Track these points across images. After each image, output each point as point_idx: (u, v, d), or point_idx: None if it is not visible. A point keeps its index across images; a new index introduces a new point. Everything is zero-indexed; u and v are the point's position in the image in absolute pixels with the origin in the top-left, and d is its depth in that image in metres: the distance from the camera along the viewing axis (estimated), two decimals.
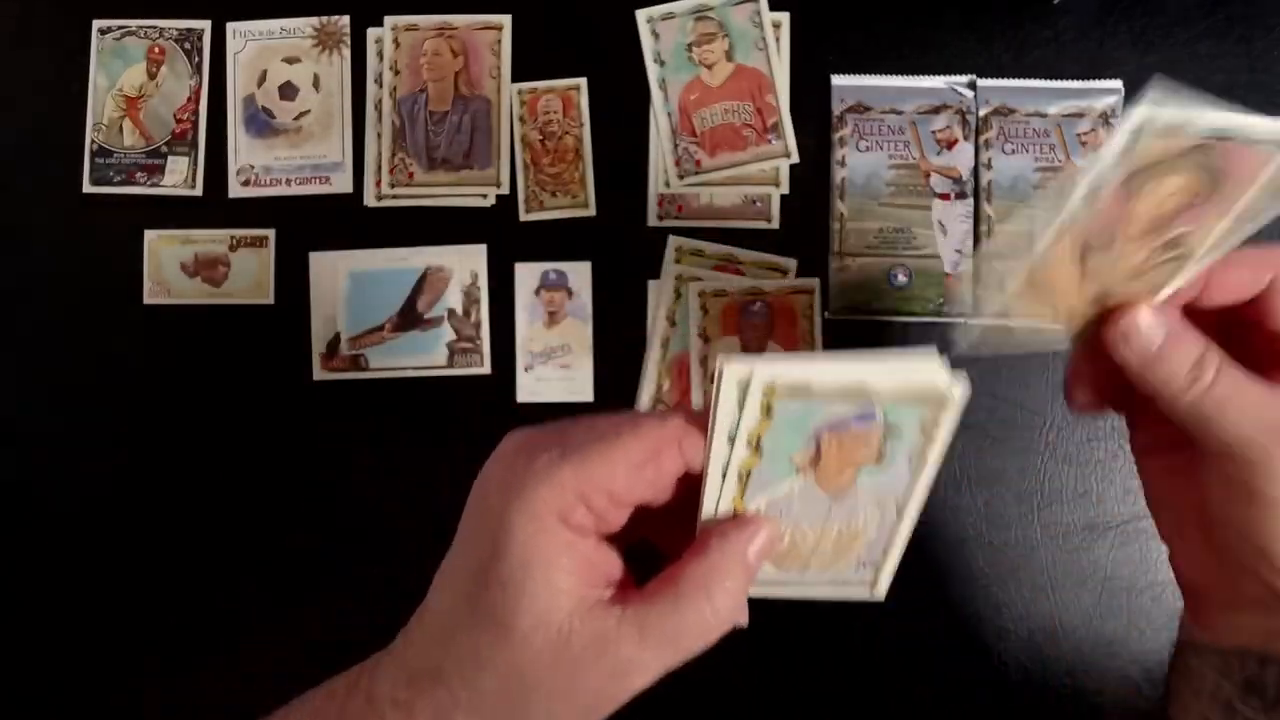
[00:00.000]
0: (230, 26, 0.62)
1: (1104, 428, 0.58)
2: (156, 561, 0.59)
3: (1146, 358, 0.33)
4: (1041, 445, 0.58)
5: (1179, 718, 0.39)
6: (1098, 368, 0.36)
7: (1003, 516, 0.57)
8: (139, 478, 0.60)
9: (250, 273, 0.60)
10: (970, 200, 0.58)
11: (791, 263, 0.59)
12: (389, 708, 0.31)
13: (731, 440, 0.31)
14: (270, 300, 0.60)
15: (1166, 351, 0.33)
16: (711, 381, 0.31)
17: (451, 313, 0.59)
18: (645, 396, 0.58)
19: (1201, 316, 0.35)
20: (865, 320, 0.58)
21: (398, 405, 0.59)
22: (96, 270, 0.61)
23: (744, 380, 0.29)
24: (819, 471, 0.32)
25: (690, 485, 0.32)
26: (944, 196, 0.58)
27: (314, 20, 0.62)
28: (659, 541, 0.36)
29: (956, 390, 0.30)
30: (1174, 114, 0.33)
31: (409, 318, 0.60)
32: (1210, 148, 0.32)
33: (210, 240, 0.61)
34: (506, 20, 0.61)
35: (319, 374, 0.60)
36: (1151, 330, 0.33)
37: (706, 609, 0.31)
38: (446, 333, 0.59)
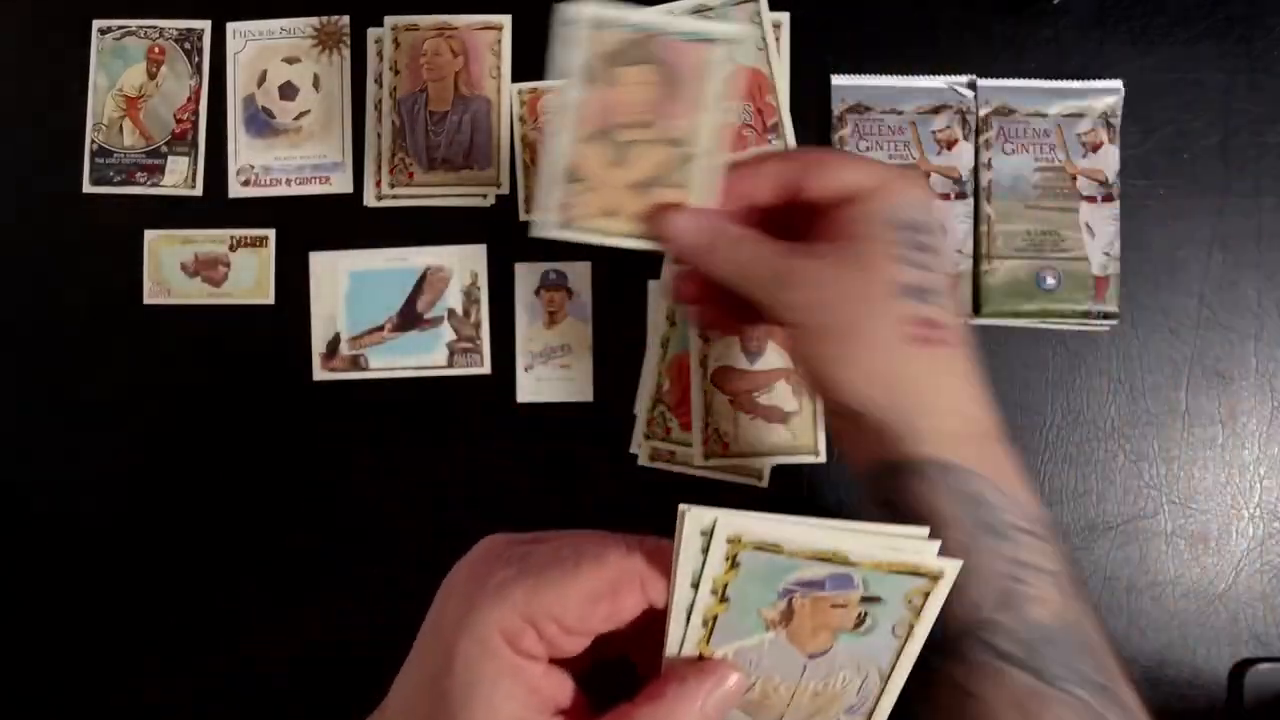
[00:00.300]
0: (230, 26, 0.62)
1: (1104, 428, 0.58)
2: (156, 561, 0.59)
3: (676, 244, 0.39)
4: (1041, 445, 0.58)
5: None
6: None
7: None
8: (139, 478, 0.60)
9: (250, 273, 0.60)
10: (970, 200, 0.58)
11: None
12: None
13: (695, 586, 0.29)
14: (270, 300, 0.60)
15: (681, 233, 0.39)
16: (676, 522, 0.29)
17: (451, 313, 0.59)
18: (645, 396, 0.58)
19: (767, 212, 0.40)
20: None
21: (398, 405, 0.59)
22: (96, 270, 0.61)
23: (706, 529, 0.28)
24: (791, 630, 0.30)
25: (660, 614, 0.31)
26: (944, 196, 0.58)
27: (314, 20, 0.62)
28: (637, 661, 0.35)
29: (948, 566, 0.29)
30: (598, 10, 0.38)
31: (409, 318, 0.60)
32: (649, 41, 0.38)
33: (210, 240, 0.61)
34: (506, 20, 0.61)
35: (319, 374, 0.60)
36: (673, 223, 0.39)
37: None
38: (446, 333, 0.59)
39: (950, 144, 0.58)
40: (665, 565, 0.29)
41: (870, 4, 0.60)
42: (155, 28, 0.62)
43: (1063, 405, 0.58)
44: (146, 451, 0.60)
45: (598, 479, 0.58)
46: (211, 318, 0.60)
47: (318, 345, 0.60)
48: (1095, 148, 0.58)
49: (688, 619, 0.30)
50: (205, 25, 0.62)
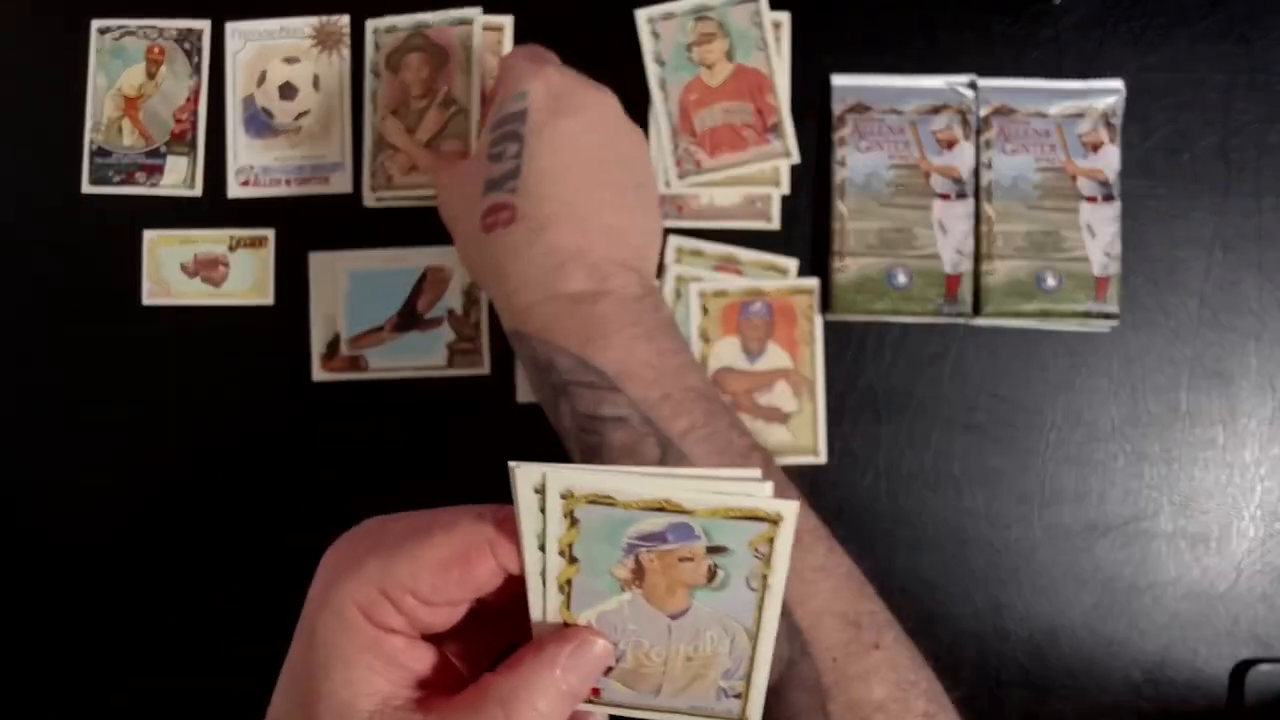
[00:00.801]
0: (230, 26, 0.62)
1: (1104, 428, 0.58)
2: (156, 561, 0.59)
3: None
4: (1042, 446, 0.58)
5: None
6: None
7: (1003, 516, 0.57)
8: (139, 478, 0.60)
9: (250, 273, 0.60)
10: (970, 200, 0.58)
11: (792, 263, 0.59)
12: None
13: (542, 548, 0.29)
14: (270, 300, 0.60)
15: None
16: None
17: (451, 313, 0.59)
18: None
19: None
20: (865, 321, 0.58)
21: (398, 405, 0.59)
22: (96, 270, 0.61)
23: (538, 485, 0.28)
24: (646, 589, 0.30)
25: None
26: (944, 196, 0.58)
27: (314, 20, 0.61)
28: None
29: (785, 508, 0.28)
30: (390, 20, 0.60)
31: (409, 318, 0.59)
32: (422, 34, 0.60)
33: (210, 240, 0.61)
34: (508, 21, 0.61)
35: (319, 374, 0.59)
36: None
37: (497, 711, 0.29)
38: (446, 333, 0.59)
39: (950, 144, 0.58)
40: (514, 530, 0.29)
41: (870, 4, 0.60)
42: (155, 28, 0.62)
43: (1063, 406, 0.58)
44: (146, 452, 0.60)
45: None
46: (211, 318, 0.60)
47: (317, 345, 0.60)
48: (1095, 148, 0.58)
49: (544, 584, 0.30)
50: (205, 25, 0.62)
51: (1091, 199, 0.58)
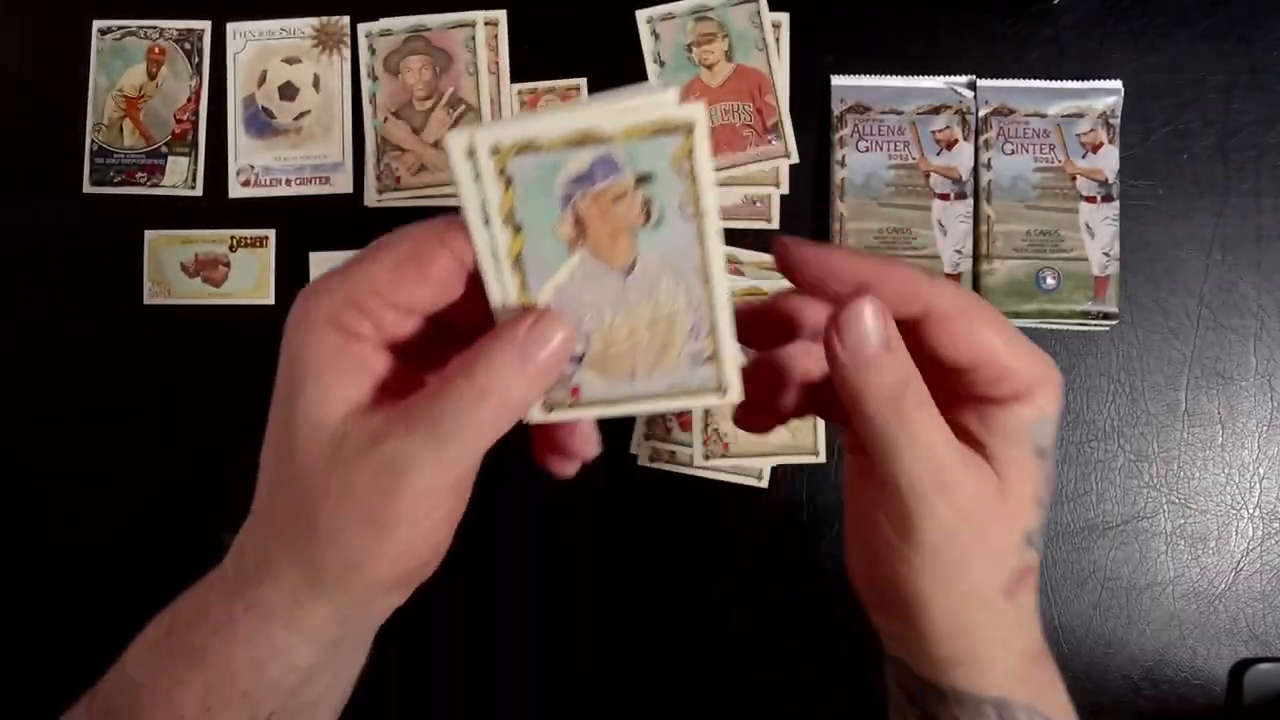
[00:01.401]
0: (230, 27, 0.62)
1: (1104, 428, 0.58)
2: (157, 561, 0.59)
3: (860, 358, 0.30)
4: None
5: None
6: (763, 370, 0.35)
7: None
8: (139, 477, 0.60)
9: (250, 273, 0.60)
10: (970, 200, 0.58)
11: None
12: (228, 557, 0.32)
13: (487, 222, 0.29)
14: (270, 300, 0.60)
15: (882, 360, 0.30)
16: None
17: None
18: None
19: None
20: None
21: None
22: (96, 270, 0.61)
23: (469, 149, 0.28)
24: (590, 243, 0.30)
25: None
26: (944, 196, 0.58)
27: (314, 20, 0.62)
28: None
29: (693, 111, 0.28)
30: (384, 23, 0.60)
31: None
32: (424, 36, 0.60)
33: (210, 240, 0.61)
34: (501, 15, 0.61)
35: None
36: (873, 330, 0.30)
37: (465, 386, 0.29)
38: None
39: (950, 144, 0.58)
40: (460, 222, 0.30)
41: (870, 4, 0.60)
42: (155, 28, 0.62)
43: (1063, 405, 0.58)
44: (146, 451, 0.60)
45: (598, 479, 0.58)
46: (211, 318, 0.60)
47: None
48: (1095, 148, 0.58)
49: (496, 266, 0.30)
50: (205, 25, 0.62)
51: (1091, 199, 0.58)
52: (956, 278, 0.57)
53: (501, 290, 0.30)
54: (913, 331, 0.32)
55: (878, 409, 0.30)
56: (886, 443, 0.31)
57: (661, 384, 0.32)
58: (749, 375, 0.32)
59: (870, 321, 0.30)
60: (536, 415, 0.31)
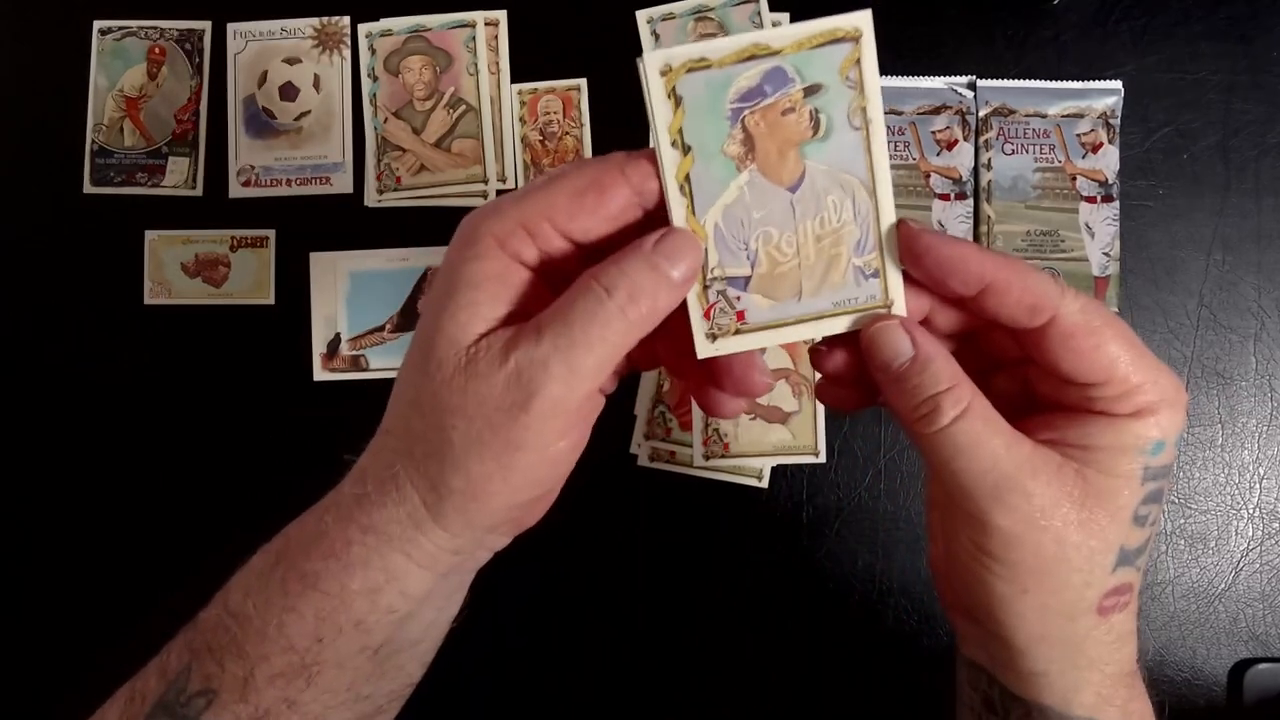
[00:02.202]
0: (231, 27, 0.62)
1: None
2: (157, 561, 0.59)
3: (890, 374, 0.31)
4: None
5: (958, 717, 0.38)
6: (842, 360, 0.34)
7: None
8: (140, 477, 0.60)
9: (250, 273, 0.60)
10: (970, 200, 0.58)
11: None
12: (347, 479, 0.33)
13: (674, 144, 0.30)
14: (270, 300, 0.60)
15: (910, 371, 0.30)
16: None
17: None
18: (645, 396, 0.58)
19: (994, 336, 0.33)
20: None
21: None
22: (96, 270, 0.61)
23: (664, 67, 0.29)
24: (759, 161, 0.30)
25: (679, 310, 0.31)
26: (944, 197, 0.58)
27: (314, 20, 0.62)
28: (668, 365, 0.35)
29: (860, 18, 0.29)
30: (385, 24, 0.60)
31: (409, 318, 0.60)
32: (424, 36, 0.59)
33: (210, 240, 0.61)
34: (502, 15, 0.61)
35: (319, 374, 0.60)
36: (901, 348, 0.31)
37: (595, 287, 0.29)
38: None
39: (950, 144, 0.58)
40: (645, 155, 0.30)
41: (870, 4, 0.60)
42: (156, 28, 0.62)
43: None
44: (146, 451, 0.60)
45: (598, 479, 0.58)
46: (211, 318, 0.60)
47: (318, 345, 0.60)
48: (1095, 148, 0.58)
49: (679, 191, 0.30)
50: (206, 25, 0.62)
51: (1091, 199, 0.58)
52: None
53: (678, 216, 0.30)
54: (1035, 341, 0.31)
55: (917, 423, 0.30)
56: (933, 455, 0.31)
57: (827, 302, 0.32)
58: (844, 348, 0.33)
59: (896, 340, 0.31)
60: (703, 346, 0.31)
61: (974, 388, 0.31)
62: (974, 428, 0.30)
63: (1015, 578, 0.31)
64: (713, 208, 0.30)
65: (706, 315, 0.31)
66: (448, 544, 0.31)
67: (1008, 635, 0.32)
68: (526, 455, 0.29)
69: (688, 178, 0.30)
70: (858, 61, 0.29)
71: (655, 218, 0.30)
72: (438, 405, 0.30)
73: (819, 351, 0.33)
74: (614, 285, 0.29)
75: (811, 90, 0.29)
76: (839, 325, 0.32)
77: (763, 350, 0.33)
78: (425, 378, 0.30)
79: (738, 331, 0.31)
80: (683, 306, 0.31)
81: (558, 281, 0.31)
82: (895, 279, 0.31)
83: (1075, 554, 0.31)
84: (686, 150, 0.30)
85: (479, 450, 0.29)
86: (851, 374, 0.33)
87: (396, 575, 0.31)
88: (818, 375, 0.35)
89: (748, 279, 0.31)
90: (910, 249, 0.31)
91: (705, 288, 0.31)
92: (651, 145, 0.30)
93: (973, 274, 0.30)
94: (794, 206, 0.31)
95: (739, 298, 0.31)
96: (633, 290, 0.29)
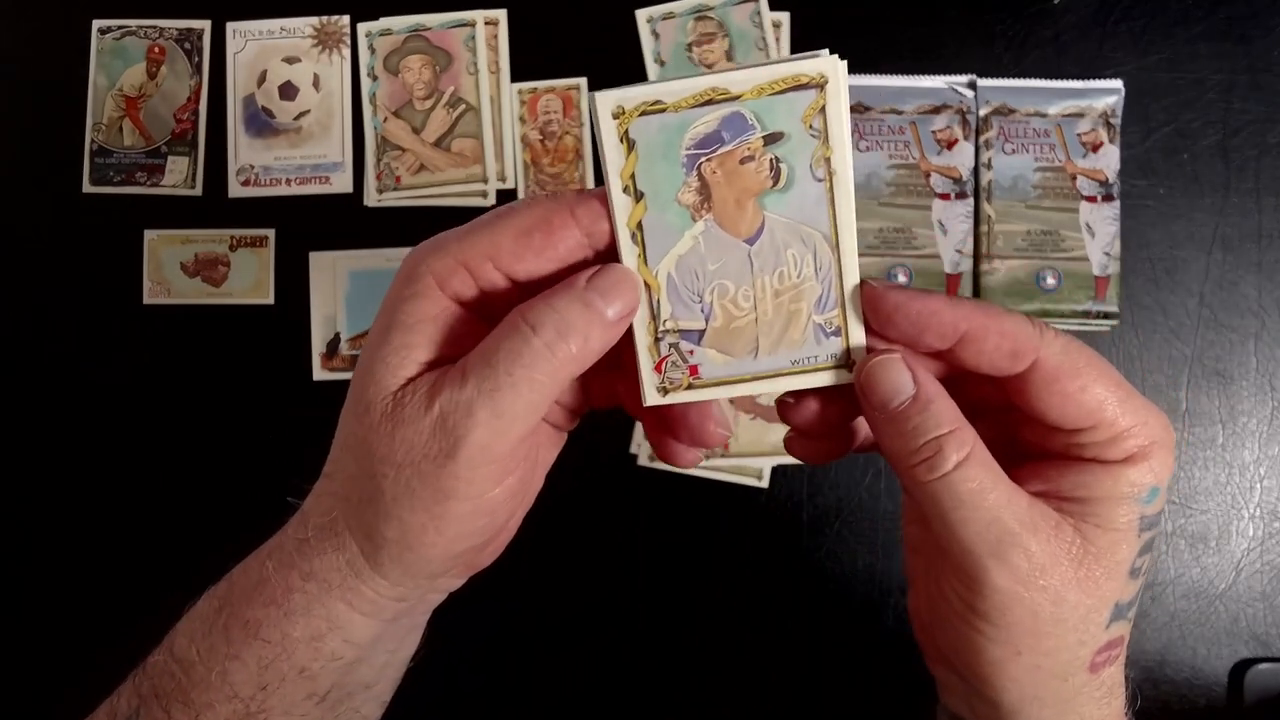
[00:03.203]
0: (230, 26, 0.62)
1: None
2: (157, 561, 0.59)
3: (887, 413, 0.29)
4: None
5: None
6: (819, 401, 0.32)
7: None
8: (139, 477, 0.60)
9: (250, 273, 0.60)
10: (970, 200, 0.58)
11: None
12: (291, 522, 0.32)
13: (626, 190, 0.28)
14: (270, 300, 0.60)
15: (910, 411, 0.28)
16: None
17: None
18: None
19: (973, 383, 0.31)
20: None
21: None
22: (96, 270, 0.61)
23: (614, 110, 0.28)
24: (716, 211, 0.29)
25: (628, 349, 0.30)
26: (944, 196, 0.58)
27: (314, 20, 0.62)
28: (627, 407, 0.33)
29: (827, 64, 0.27)
30: (384, 23, 0.60)
31: None
32: (424, 36, 0.60)
33: (210, 240, 0.61)
34: (502, 15, 0.61)
35: (319, 374, 0.60)
36: (900, 385, 0.28)
37: (521, 325, 0.27)
38: None
39: (950, 144, 0.58)
40: (597, 195, 0.29)
41: (870, 4, 0.60)
42: (155, 27, 0.62)
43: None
44: (147, 451, 0.60)
45: (598, 479, 0.58)
46: (211, 318, 0.60)
47: (318, 345, 0.60)
48: (1095, 148, 0.58)
49: (630, 239, 0.29)
50: (205, 25, 0.62)
51: (1091, 199, 0.58)
52: (957, 278, 0.57)
53: (629, 263, 0.29)
54: (1017, 387, 0.29)
55: (915, 469, 0.28)
56: (931, 504, 0.29)
57: (785, 360, 0.30)
58: (815, 398, 0.31)
59: (898, 373, 0.29)
60: (652, 398, 0.30)
61: (975, 433, 0.29)
62: (977, 475, 0.28)
63: (1008, 640, 0.29)
64: (666, 257, 0.29)
65: (658, 369, 0.30)
66: (389, 592, 0.30)
67: (995, 696, 0.31)
68: (459, 504, 0.28)
69: (640, 225, 0.29)
70: (822, 109, 0.28)
71: (606, 260, 0.29)
72: (369, 452, 0.29)
73: (786, 404, 0.31)
74: (541, 322, 0.27)
75: (772, 139, 0.28)
76: (798, 384, 0.30)
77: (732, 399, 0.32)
78: (357, 422, 0.29)
79: (690, 386, 0.30)
80: (634, 354, 0.30)
81: (498, 319, 0.30)
82: (858, 337, 0.30)
83: (1072, 614, 0.29)
84: (639, 197, 0.28)
85: (409, 500, 0.28)
86: (823, 426, 0.31)
87: (339, 623, 0.30)
88: (793, 437, 0.33)
89: (701, 332, 0.30)
90: (877, 310, 0.29)
91: (656, 340, 0.30)
92: (607, 186, 0.29)
93: (947, 326, 0.29)
94: (751, 259, 0.29)
95: (692, 351, 0.30)
96: (561, 328, 0.27)
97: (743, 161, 0.28)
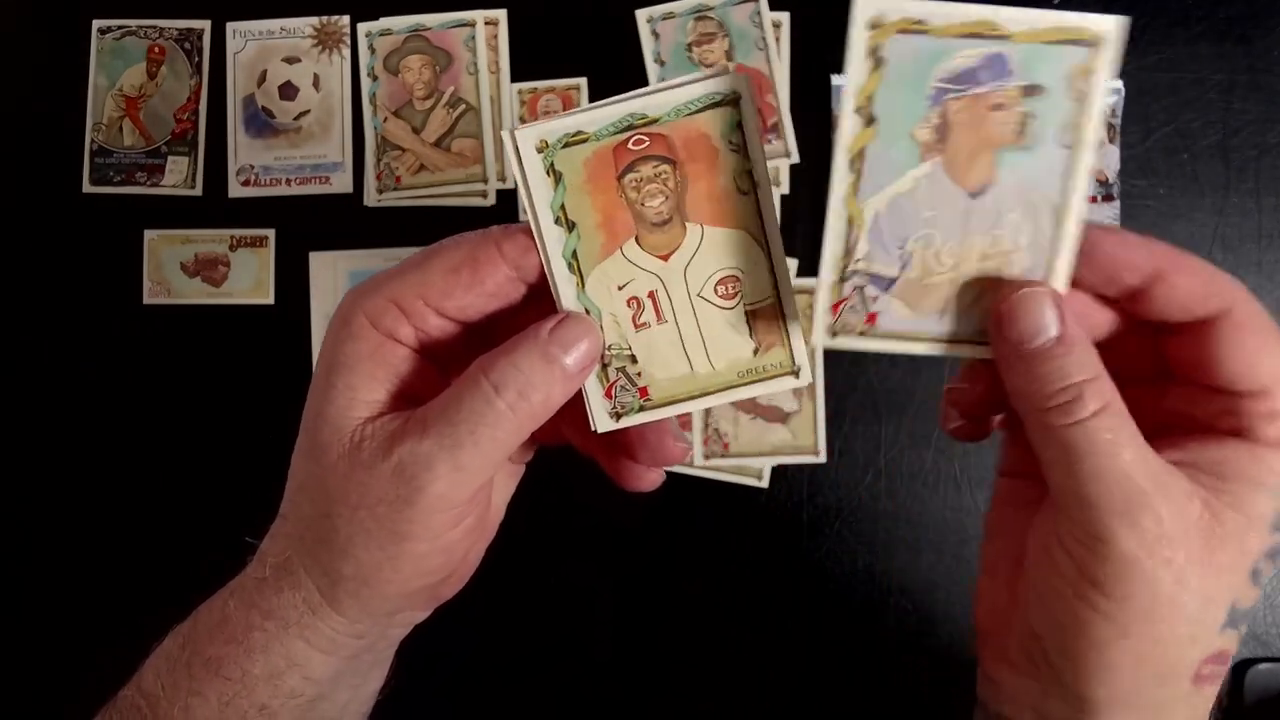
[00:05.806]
0: (230, 26, 0.62)
1: None
2: (157, 561, 0.59)
3: (1027, 350, 0.27)
4: None
5: None
6: (978, 379, 0.30)
7: None
8: (139, 477, 0.60)
9: (250, 273, 0.60)
10: None
11: (791, 263, 0.59)
12: (252, 562, 0.32)
13: (558, 221, 0.28)
14: (270, 300, 0.60)
15: (1054, 352, 0.26)
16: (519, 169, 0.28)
17: None
18: None
19: (1122, 350, 0.29)
20: None
21: None
22: (96, 270, 0.61)
23: (538, 143, 0.27)
24: (949, 156, 0.26)
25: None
26: None
27: (314, 20, 0.62)
28: (575, 442, 0.34)
29: (1109, 25, 0.25)
30: (384, 23, 0.60)
31: None
32: (424, 36, 0.60)
33: (210, 240, 0.61)
34: (502, 15, 0.61)
35: None
36: (1048, 319, 0.27)
37: (484, 385, 0.28)
38: None
39: None
40: (521, 229, 0.29)
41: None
42: (155, 27, 0.62)
43: None
44: (146, 451, 0.60)
45: (598, 479, 0.58)
46: (211, 318, 0.60)
47: (318, 345, 0.60)
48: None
49: (561, 268, 0.28)
50: (205, 25, 0.62)
51: (1091, 199, 0.58)
52: None
53: (566, 294, 0.29)
54: (1193, 337, 0.27)
55: (1049, 412, 0.26)
56: (1060, 453, 0.26)
57: (970, 325, 0.28)
58: (974, 375, 0.29)
59: (1046, 310, 0.27)
60: (604, 424, 0.30)
61: (1114, 386, 0.27)
62: (1115, 425, 0.26)
63: (1119, 615, 0.27)
64: (880, 194, 0.27)
65: (608, 394, 0.30)
66: (346, 629, 0.31)
67: (1084, 689, 0.28)
68: (415, 545, 0.28)
69: (861, 153, 0.27)
70: (1090, 73, 0.26)
71: (539, 290, 0.29)
72: (324, 492, 0.29)
73: (960, 390, 0.30)
74: (504, 383, 0.28)
75: (1031, 91, 0.26)
76: (973, 352, 0.28)
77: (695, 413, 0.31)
78: (311, 463, 0.30)
79: (641, 409, 0.30)
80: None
81: (443, 358, 0.30)
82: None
83: (1191, 599, 0.27)
84: (870, 121, 0.26)
85: (364, 539, 0.28)
86: (991, 404, 0.30)
87: (297, 660, 0.31)
88: (953, 417, 0.32)
89: (893, 280, 0.28)
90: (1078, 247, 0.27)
91: (604, 366, 0.29)
92: (524, 219, 0.28)
93: (1144, 261, 0.27)
94: (969, 215, 0.27)
95: (876, 298, 0.28)
96: (524, 387, 0.28)
97: (993, 107, 0.26)
